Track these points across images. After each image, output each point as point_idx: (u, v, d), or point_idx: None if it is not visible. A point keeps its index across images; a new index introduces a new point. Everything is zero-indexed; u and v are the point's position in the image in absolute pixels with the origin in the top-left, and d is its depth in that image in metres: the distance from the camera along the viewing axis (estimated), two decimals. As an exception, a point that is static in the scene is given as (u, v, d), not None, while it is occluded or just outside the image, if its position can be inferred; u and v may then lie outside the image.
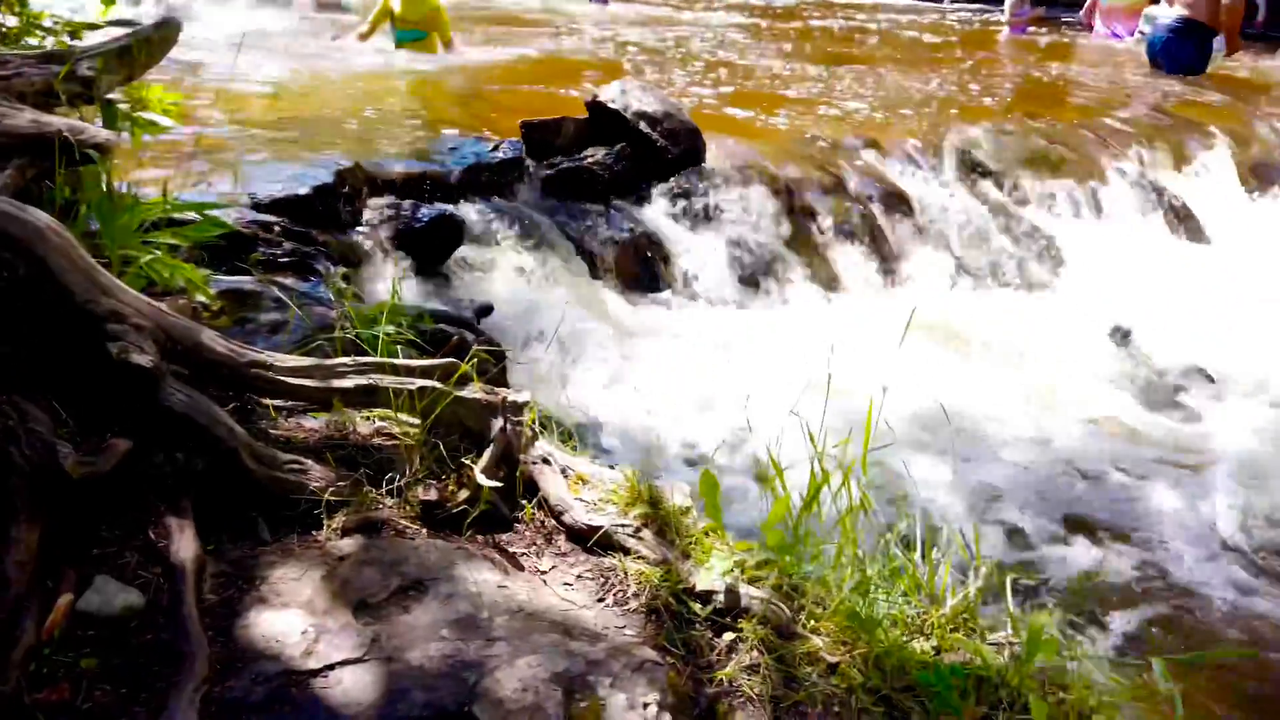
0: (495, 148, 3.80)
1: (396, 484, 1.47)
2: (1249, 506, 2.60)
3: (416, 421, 1.50)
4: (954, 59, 7.91)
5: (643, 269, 3.75)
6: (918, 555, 1.75)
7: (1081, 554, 2.34)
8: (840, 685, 1.37)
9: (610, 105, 4.02)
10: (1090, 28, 9.61)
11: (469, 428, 1.53)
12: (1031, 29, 9.69)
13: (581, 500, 1.54)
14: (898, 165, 4.65)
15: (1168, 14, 7.36)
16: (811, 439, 1.66)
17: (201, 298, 1.75)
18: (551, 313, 3.32)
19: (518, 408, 1.55)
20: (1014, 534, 2.39)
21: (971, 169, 4.76)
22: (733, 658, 1.38)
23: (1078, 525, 2.46)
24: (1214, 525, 2.55)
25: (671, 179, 4.03)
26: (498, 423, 1.52)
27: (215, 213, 2.31)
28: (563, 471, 1.58)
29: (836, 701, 1.35)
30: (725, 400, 2.85)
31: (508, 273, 3.41)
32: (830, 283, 3.99)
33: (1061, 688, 1.56)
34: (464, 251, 3.40)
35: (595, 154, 3.94)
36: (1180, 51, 7.25)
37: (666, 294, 3.72)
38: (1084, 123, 5.53)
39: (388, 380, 1.46)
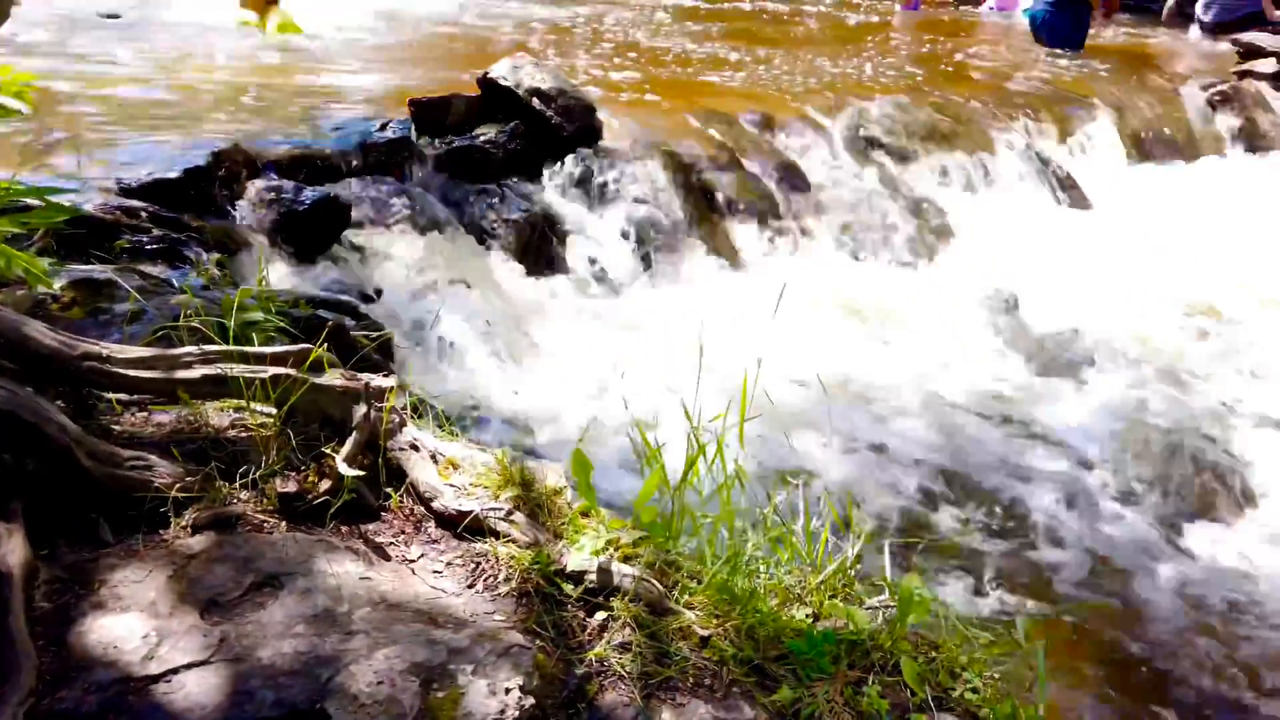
0: (383, 127, 3.69)
1: (252, 477, 1.41)
2: (1120, 465, 2.71)
3: (273, 411, 1.44)
4: (856, 36, 8.02)
5: (539, 249, 3.71)
6: (800, 525, 1.77)
7: (962, 517, 2.41)
8: (712, 658, 1.37)
9: (502, 82, 3.94)
10: (979, 3, 9.86)
11: (330, 415, 1.47)
12: (924, 6, 9.87)
13: (452, 485, 1.50)
14: (794, 140, 4.69)
15: (1051, -10, 7.58)
16: (686, 413, 1.65)
17: (43, 288, 1.64)
18: (443, 295, 3.26)
19: (383, 393, 1.50)
20: (898, 500, 2.45)
21: (865, 143, 4.83)
22: (605, 637, 1.36)
23: (959, 489, 2.53)
24: (1086, 485, 2.65)
25: (568, 157, 3.98)
26: (361, 409, 1.47)
27: (69, 199, 2.19)
28: (433, 457, 1.54)
29: (708, 674, 1.36)
30: (620, 379, 2.83)
31: (398, 255, 3.33)
32: (729, 258, 4.01)
33: (933, 646, 1.60)
34: (352, 234, 3.30)
35: (488, 132, 3.87)
36: (1060, 25, 7.48)
37: (564, 274, 3.68)
38: (973, 96, 5.66)
39: (238, 369, 1.40)
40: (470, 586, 1.41)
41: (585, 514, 1.62)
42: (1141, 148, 5.68)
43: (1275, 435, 3.09)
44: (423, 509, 1.50)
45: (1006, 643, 1.66)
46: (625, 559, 1.49)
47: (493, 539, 1.45)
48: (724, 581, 1.47)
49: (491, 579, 1.42)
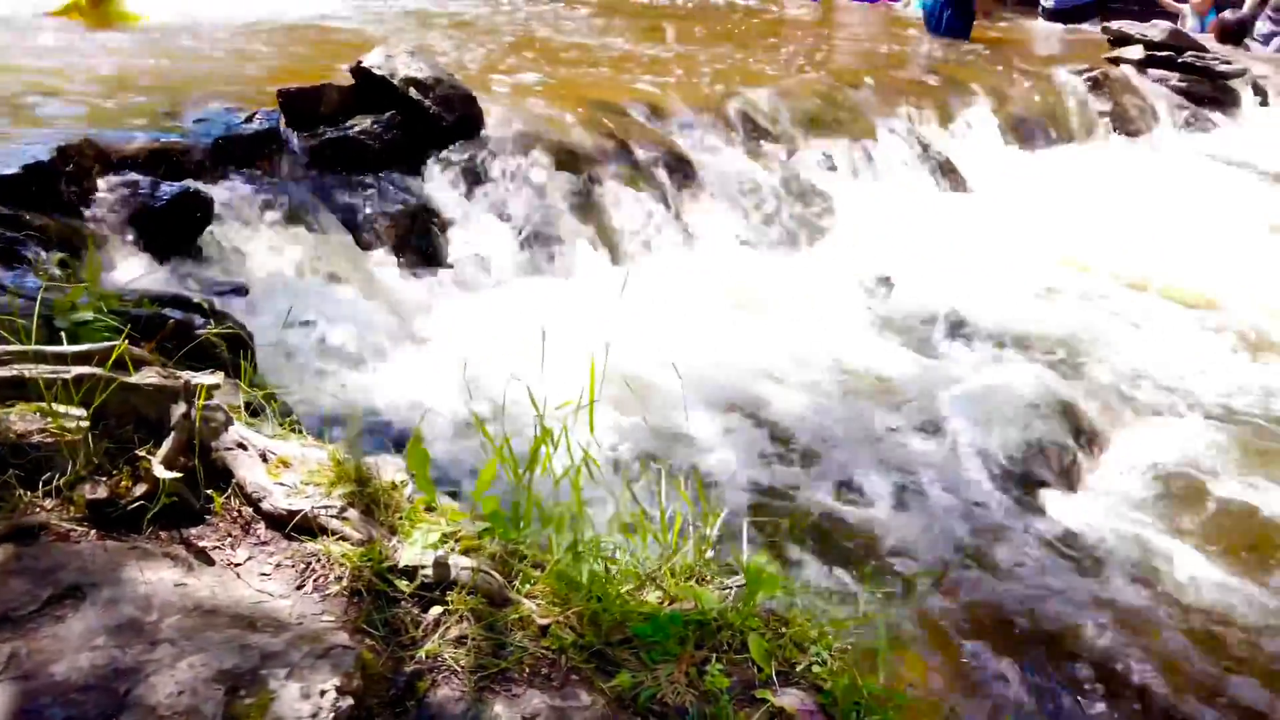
0: (249, 118, 3.55)
1: (57, 483, 1.33)
2: (983, 437, 2.79)
3: (81, 413, 1.36)
4: (756, 28, 8.09)
5: (419, 243, 3.63)
6: (662, 509, 1.76)
7: (830, 493, 2.44)
8: (551, 647, 1.35)
9: (376, 71, 3.84)
10: None
11: (146, 416, 1.40)
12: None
13: (282, 485, 1.44)
14: (683, 129, 4.70)
15: (935, -20, 7.80)
16: (532, 400, 1.62)
17: None
18: (316, 292, 3.17)
19: (203, 391, 1.43)
20: (768, 479, 2.47)
21: (753, 131, 4.88)
22: (439, 632, 1.33)
23: (827, 466, 2.57)
24: (950, 457, 2.72)
25: (448, 148, 3.91)
26: (180, 409, 1.40)
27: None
28: (262, 456, 1.48)
29: (545, 664, 1.33)
30: (497, 373, 2.79)
31: (267, 252, 3.21)
32: (613, 248, 3.99)
33: (784, 622, 1.61)
34: (216, 231, 3.17)
35: (363, 123, 3.76)
36: (947, 14, 7.70)
37: (445, 267, 3.61)
38: (859, 84, 5.77)
39: (38, 370, 1.32)
40: (299, 588, 1.36)
41: (431, 508, 1.58)
42: (1019, 132, 5.88)
43: (1128, 407, 3.22)
44: (251, 510, 1.44)
45: (861, 616, 1.69)
46: (467, 551, 1.45)
47: (325, 538, 1.40)
48: (567, 569, 1.45)
49: (322, 579, 1.37)
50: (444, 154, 3.88)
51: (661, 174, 4.33)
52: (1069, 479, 2.80)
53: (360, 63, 3.87)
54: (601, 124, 4.47)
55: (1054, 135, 6.01)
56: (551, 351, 2.92)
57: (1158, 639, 2.17)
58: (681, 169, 4.40)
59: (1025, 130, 5.93)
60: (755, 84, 5.37)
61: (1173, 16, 8.63)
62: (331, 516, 1.41)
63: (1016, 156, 5.66)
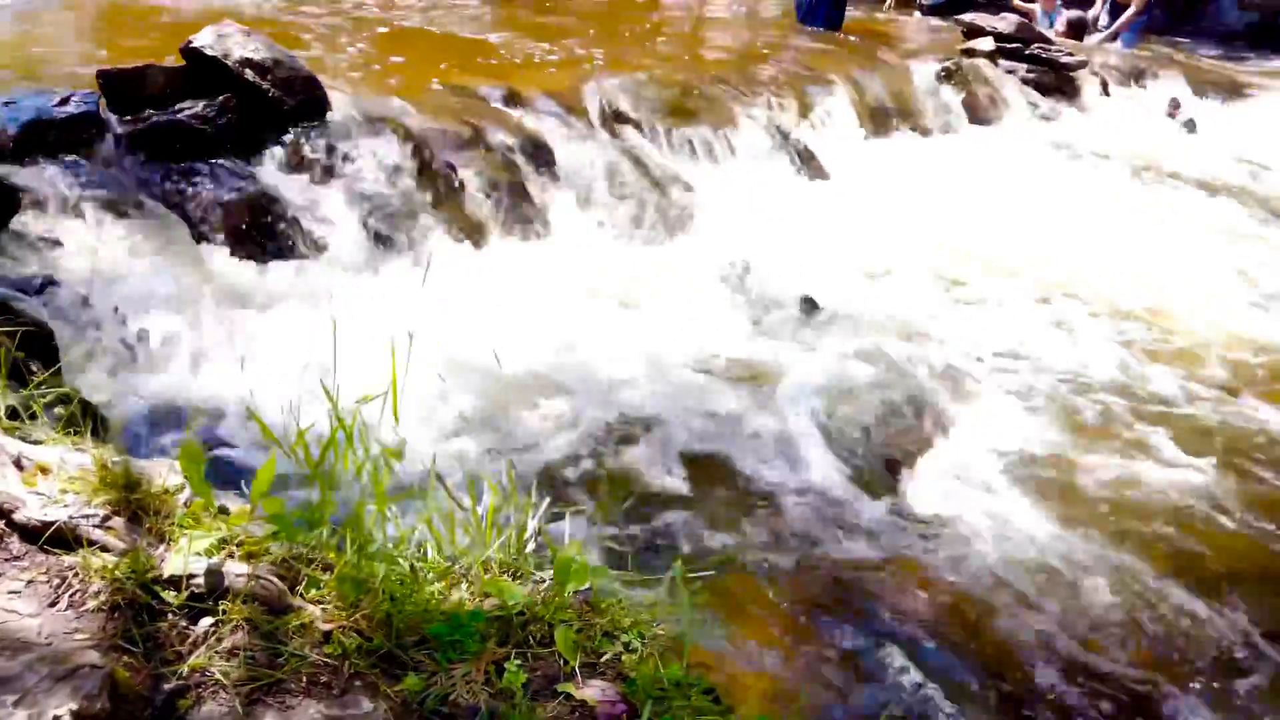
0: (63, 101, 3.30)
1: None
2: (835, 420, 2.84)
3: None
4: (623, 15, 8.06)
5: (258, 232, 3.45)
6: (486, 502, 1.71)
7: (669, 480, 2.44)
8: (334, 653, 1.29)
9: (208, 52, 3.63)
10: None
11: None
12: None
13: (38, 494, 1.33)
14: (541, 116, 4.63)
15: (802, -29, 7.93)
16: (327, 393, 1.55)
17: None
18: (137, 285, 2.98)
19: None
20: (615, 468, 2.45)
21: (614, 118, 4.85)
22: (210, 644, 1.25)
23: (675, 454, 2.56)
24: (801, 441, 2.76)
25: (290, 132, 3.74)
26: (-88, 415, 1.27)
27: None
28: (16, 463, 1.36)
29: (327, 671, 1.27)
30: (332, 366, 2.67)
31: (83, 243, 3.00)
32: (470, 236, 3.90)
33: (597, 611, 1.58)
34: (26, 220, 2.94)
35: (194, 106, 3.55)
36: (822, 7, 7.84)
37: (286, 257, 3.45)
38: (723, 73, 5.82)
39: None
40: (52, 605, 1.25)
41: (223, 511, 1.49)
42: (877, 121, 6.03)
43: (973, 386, 3.33)
44: (2, 524, 1.32)
45: (672, 603, 1.68)
46: (249, 557, 1.37)
47: (85, 550, 1.30)
48: (357, 570, 1.39)
49: (79, 595, 1.27)
50: (285, 139, 3.71)
51: (519, 160, 4.25)
52: (913, 458, 2.87)
53: (190, 43, 3.66)
54: (457, 109, 4.37)
55: (911, 124, 6.19)
56: (391, 342, 2.83)
57: (995, 612, 2.24)
58: (539, 155, 4.33)
59: (883, 119, 6.09)
60: (619, 71, 5.34)
61: (1026, 15, 9.04)
62: (93, 526, 1.31)
63: (875, 145, 5.81)
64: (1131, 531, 2.56)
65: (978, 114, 6.54)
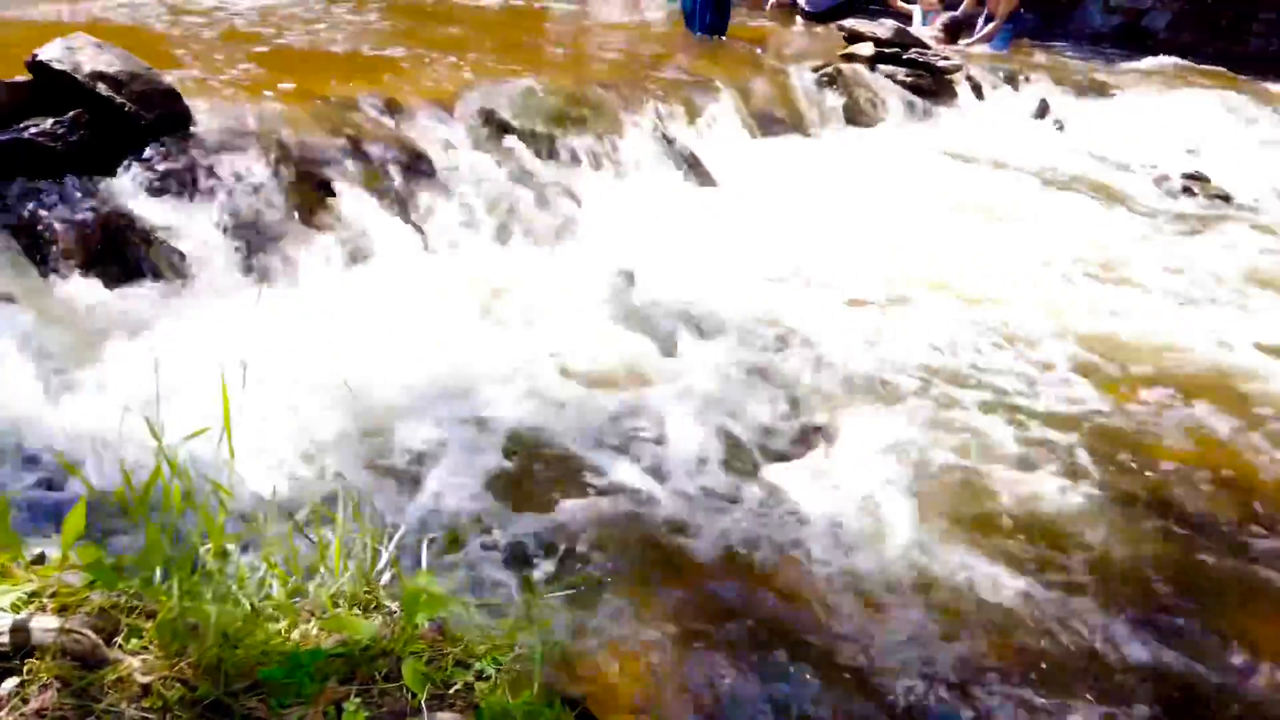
0: (-111, 120, 3.10)
1: None
2: (713, 428, 2.86)
3: None
4: (510, 22, 8.01)
5: (114, 254, 3.29)
6: (319, 532, 1.66)
7: (544, 497, 2.41)
8: (153, 706, 1.23)
9: (56, 65, 3.45)
10: None
11: None
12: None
13: None
14: (422, 126, 4.55)
15: (686, -22, 8.01)
16: (151, 429, 1.48)
17: None
18: (-25, 316, 2.80)
19: None
20: (482, 490, 2.41)
21: (497, 128, 4.80)
22: (14, 707, 1.17)
23: (547, 471, 2.54)
24: (680, 449, 2.77)
25: (149, 149, 3.57)
26: None
27: None
28: None
29: (144, 726, 1.21)
30: (189, 398, 2.57)
31: (-88, 272, 2.81)
32: (347, 252, 3.80)
33: (451, 640, 1.55)
34: None
35: (42, 123, 3.37)
36: (705, 12, 7.94)
37: (147, 280, 3.30)
38: (609, 81, 5.82)
39: None
40: None
41: (39, 561, 1.40)
42: (762, 127, 6.14)
43: (853, 387, 3.39)
44: None
45: (527, 623, 1.65)
46: (63, 609, 1.29)
47: (-128, 612, 1.20)
48: (183, 615, 1.33)
49: None
50: (144, 156, 3.55)
51: (397, 172, 4.17)
52: (787, 461, 2.91)
53: (36, 56, 3.47)
54: (332, 121, 4.26)
55: (795, 129, 6.31)
56: (239, 369, 2.74)
57: (877, 615, 2.26)
58: (420, 167, 4.26)
59: (767, 125, 6.20)
60: (504, 79, 5.29)
61: (905, 18, 9.34)
62: (-119, 587, 1.21)
63: (760, 150, 5.90)
64: (995, 525, 2.64)
65: (858, 117, 6.71)
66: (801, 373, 3.40)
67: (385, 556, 1.67)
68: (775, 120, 6.32)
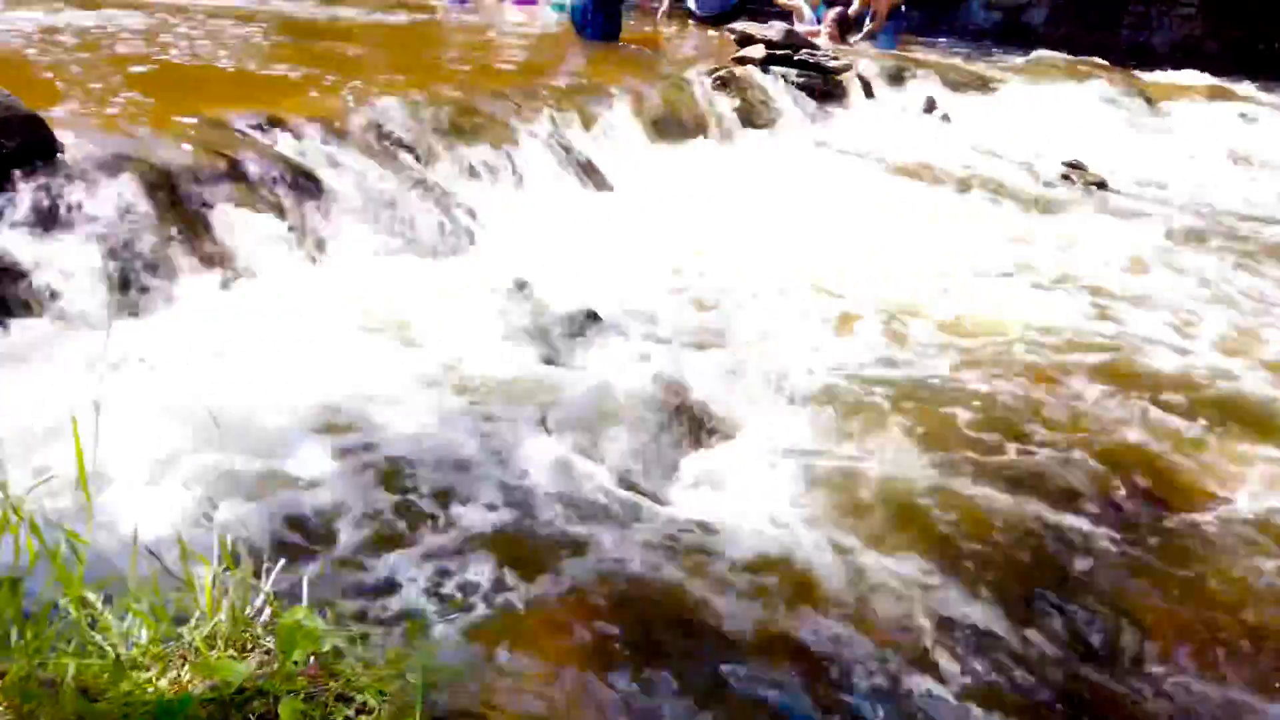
0: None
1: None
2: (607, 439, 2.85)
3: None
4: (398, 35, 7.89)
5: (-24, 291, 3.12)
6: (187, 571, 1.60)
7: (432, 518, 2.37)
8: (3, 773, 1.16)
9: (-100, 94, 3.26)
10: None
11: None
12: (469, 3, 10.03)
13: None
14: (306, 143, 4.45)
15: (575, -16, 8.03)
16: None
17: None
18: None
19: None
20: (362, 514, 2.34)
21: (386, 142, 4.72)
22: None
23: (435, 489, 2.49)
24: (574, 460, 2.76)
25: (9, 178, 3.40)
26: None
27: None
28: None
29: (-10, 796, 1.14)
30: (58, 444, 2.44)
31: None
32: (230, 276, 3.68)
33: (331, 675, 1.51)
34: None
35: (-112, 156, 3.18)
36: (596, 18, 7.97)
37: (12, 317, 3.14)
38: (503, 90, 5.79)
39: None
40: None
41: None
42: (658, 131, 6.18)
43: (751, 391, 3.43)
44: None
45: (409, 652, 1.63)
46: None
47: None
48: (32, 674, 1.26)
49: None
50: (7, 185, 3.38)
51: (283, 191, 4.06)
52: (690, 466, 2.92)
53: (-122, 84, 3.27)
54: (213, 141, 4.12)
55: (690, 132, 6.38)
56: (130, 400, 2.63)
57: (777, 623, 2.25)
58: (306, 185, 4.15)
59: (664, 129, 6.25)
60: (394, 92, 5.21)
61: (788, 15, 9.56)
62: None
63: (656, 154, 5.95)
64: (902, 521, 2.70)
65: (752, 119, 6.83)
66: (698, 375, 3.42)
67: (262, 594, 1.62)
68: (671, 124, 6.37)
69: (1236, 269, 5.03)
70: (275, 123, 4.44)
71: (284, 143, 4.35)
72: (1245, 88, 11.09)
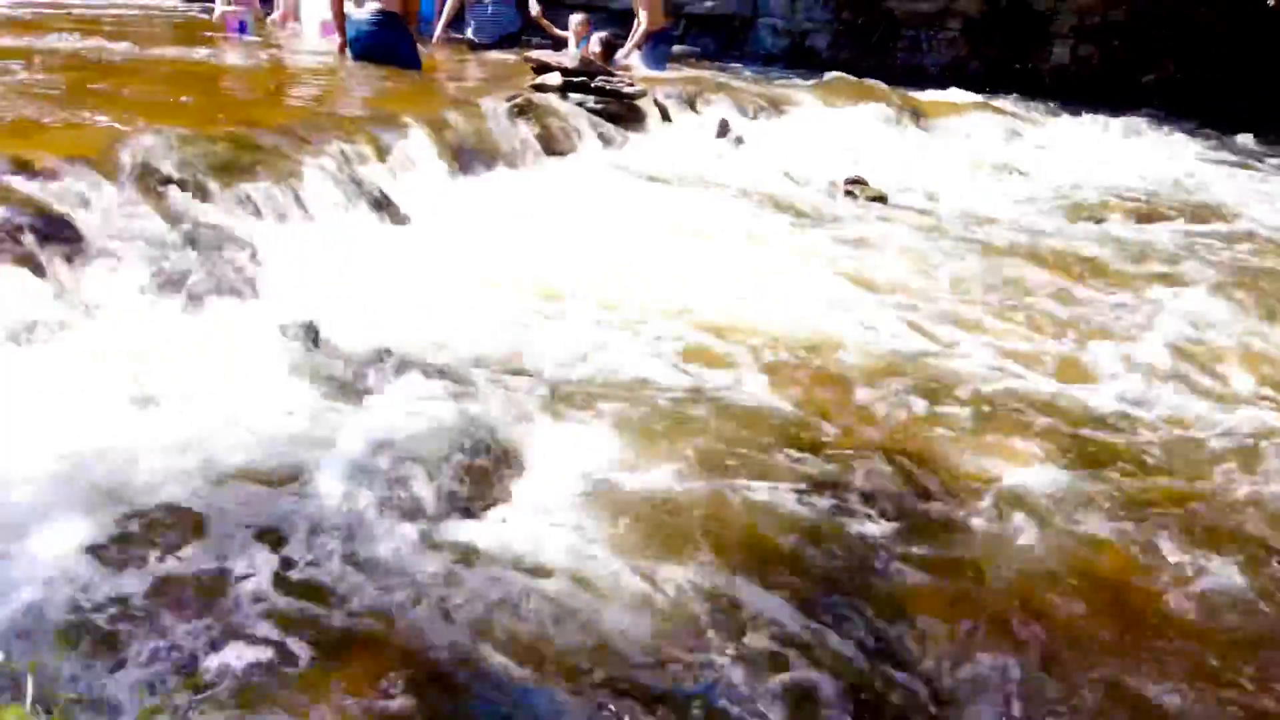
0: None
1: None
2: (402, 478, 2.75)
3: None
4: (169, 65, 7.43)
5: None
6: None
7: (205, 579, 2.21)
8: None
9: None
10: (284, 26, 9.99)
11: None
12: (248, 33, 9.60)
13: None
14: (61, 185, 4.08)
15: (365, 11, 7.83)
16: None
17: None
18: None
19: None
20: (119, 588, 2.16)
21: (154, 180, 4.41)
22: None
23: (210, 552, 2.32)
24: (365, 504, 2.64)
25: None
26: None
27: None
28: None
29: None
30: None
31: None
32: (-32, 336, 3.31)
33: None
34: None
35: None
36: (386, 46, 7.78)
37: None
38: (288, 124, 5.55)
39: None
40: None
41: None
42: (456, 160, 6.09)
43: (550, 417, 3.40)
44: None
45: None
46: None
47: None
48: None
49: None
50: None
51: (29, 239, 3.70)
52: (491, 498, 2.87)
53: None
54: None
55: (490, 161, 6.33)
56: None
57: (571, 641, 2.24)
58: (57, 229, 3.80)
59: (462, 158, 6.17)
60: (164, 127, 4.88)
61: (562, 44, 9.78)
62: None
63: (455, 184, 5.86)
64: (697, 533, 2.74)
65: (553, 146, 6.86)
66: (493, 405, 3.37)
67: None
68: (470, 153, 6.30)
69: (1001, 269, 5.48)
70: (23, 164, 4.05)
71: (34, 186, 3.97)
72: (1005, 102, 12.21)
